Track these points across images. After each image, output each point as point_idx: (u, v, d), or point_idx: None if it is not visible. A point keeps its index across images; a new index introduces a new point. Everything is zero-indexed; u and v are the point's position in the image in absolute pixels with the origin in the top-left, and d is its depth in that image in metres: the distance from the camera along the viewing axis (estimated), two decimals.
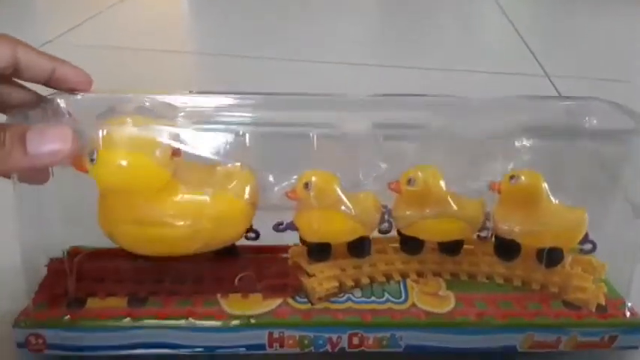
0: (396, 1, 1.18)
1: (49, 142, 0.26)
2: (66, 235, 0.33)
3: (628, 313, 0.32)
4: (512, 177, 0.32)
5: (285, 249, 0.35)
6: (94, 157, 0.28)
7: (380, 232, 0.34)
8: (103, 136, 0.28)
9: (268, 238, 0.34)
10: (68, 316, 0.30)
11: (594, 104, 0.34)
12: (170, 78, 0.76)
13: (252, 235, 0.33)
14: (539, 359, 0.33)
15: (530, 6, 1.25)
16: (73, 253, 0.33)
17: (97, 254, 0.33)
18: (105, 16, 0.96)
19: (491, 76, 0.80)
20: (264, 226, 0.33)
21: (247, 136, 0.28)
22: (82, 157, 0.28)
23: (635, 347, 0.32)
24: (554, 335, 0.32)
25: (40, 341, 0.30)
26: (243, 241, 0.34)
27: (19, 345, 0.30)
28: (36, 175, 0.30)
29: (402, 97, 0.33)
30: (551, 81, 0.78)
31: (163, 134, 0.29)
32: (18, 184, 0.29)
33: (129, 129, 0.28)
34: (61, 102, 0.32)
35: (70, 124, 0.27)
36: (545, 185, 0.32)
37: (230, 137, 0.28)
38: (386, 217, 0.34)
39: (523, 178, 0.32)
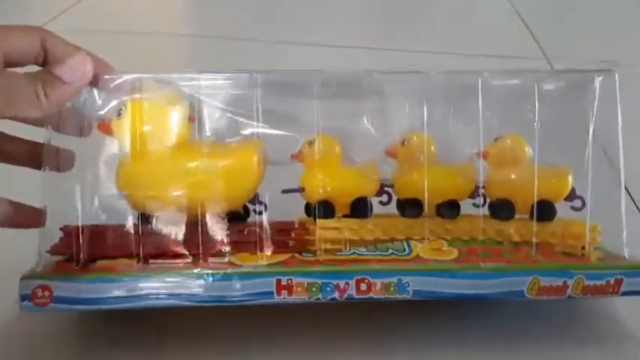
0: None
1: (76, 66, 0.29)
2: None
3: (627, 256, 0.33)
4: (496, 139, 0.36)
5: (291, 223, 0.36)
6: (122, 111, 0.31)
7: (380, 203, 0.36)
8: (131, 91, 0.31)
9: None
10: (78, 267, 0.30)
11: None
12: (164, 61, 0.75)
13: (261, 207, 0.35)
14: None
15: None
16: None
17: (113, 228, 0.34)
18: (90, 2, 0.94)
19: (489, 59, 0.80)
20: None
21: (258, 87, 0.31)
22: (108, 120, 0.32)
23: None
24: (560, 279, 0.32)
25: (47, 293, 0.30)
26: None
27: (23, 298, 0.29)
28: (62, 157, 0.32)
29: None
30: (550, 64, 0.78)
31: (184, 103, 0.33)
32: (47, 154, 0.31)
33: (153, 90, 0.32)
34: None
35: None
36: (527, 147, 0.35)
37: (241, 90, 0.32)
38: (384, 180, 0.36)
39: (508, 140, 0.35)
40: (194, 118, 0.33)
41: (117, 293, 0.30)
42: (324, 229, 0.33)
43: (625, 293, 0.32)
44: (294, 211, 0.36)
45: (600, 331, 0.34)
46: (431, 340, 0.33)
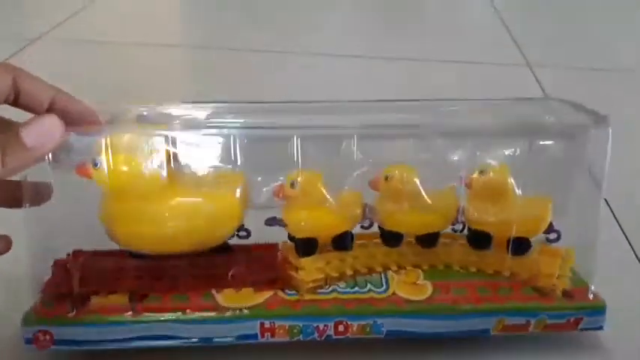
0: None
1: (43, 131, 0.28)
2: (69, 238, 0.36)
3: (591, 296, 0.35)
4: (481, 171, 0.35)
5: (275, 247, 0.37)
6: (98, 163, 0.31)
7: (362, 227, 0.37)
8: (105, 144, 0.30)
9: (259, 235, 0.36)
10: (74, 313, 0.32)
11: (554, 104, 0.38)
12: (159, 72, 0.77)
13: (243, 233, 0.36)
14: (512, 342, 0.36)
15: None
16: (75, 253, 0.36)
17: (99, 255, 0.36)
18: (91, 11, 0.96)
19: (472, 66, 0.83)
20: (256, 222, 0.36)
21: (236, 139, 0.30)
22: (85, 164, 0.31)
23: (599, 328, 0.35)
24: (523, 318, 0.34)
25: (48, 337, 0.32)
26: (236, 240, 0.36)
27: (28, 341, 0.32)
28: (40, 191, 0.32)
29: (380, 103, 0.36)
30: (532, 71, 0.80)
31: (160, 142, 0.32)
32: (26, 191, 0.31)
33: (129, 138, 0.31)
34: None
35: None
36: (511, 179, 0.35)
37: (220, 140, 0.31)
38: (367, 213, 0.36)
39: (491, 172, 0.35)
40: (176, 156, 0.33)
41: (111, 337, 0.32)
42: (307, 272, 0.34)
43: (583, 329, 0.35)
44: (277, 233, 0.37)
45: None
46: None
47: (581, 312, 0.35)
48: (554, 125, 0.34)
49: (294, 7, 1.06)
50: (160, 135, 0.32)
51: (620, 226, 0.49)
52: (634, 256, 0.45)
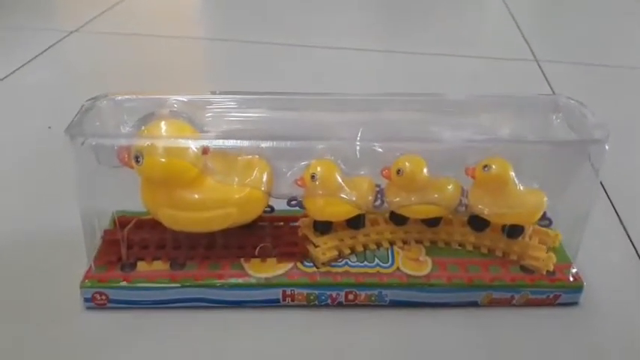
0: None
1: None
2: (114, 201, 0.41)
3: (571, 278, 0.40)
4: (485, 166, 0.38)
5: (295, 218, 0.42)
6: (140, 159, 0.34)
7: (374, 207, 0.41)
8: (147, 145, 0.34)
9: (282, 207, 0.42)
10: (123, 281, 0.38)
11: (562, 101, 0.40)
12: (187, 63, 0.84)
13: (268, 209, 0.41)
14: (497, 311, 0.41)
15: None
16: (121, 220, 0.41)
17: (143, 223, 0.41)
18: (125, 6, 1.03)
19: (481, 61, 0.85)
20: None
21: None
22: (130, 158, 0.35)
23: (575, 303, 0.40)
24: (508, 294, 0.40)
25: (104, 297, 0.38)
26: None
27: (87, 300, 0.38)
28: None
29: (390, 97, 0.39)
30: (539, 65, 0.83)
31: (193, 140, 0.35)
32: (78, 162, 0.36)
33: (165, 136, 0.35)
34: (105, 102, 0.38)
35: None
36: (512, 173, 0.39)
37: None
38: (379, 196, 0.40)
39: (494, 167, 0.38)
40: (208, 150, 0.36)
41: (155, 298, 0.38)
42: (322, 249, 0.39)
43: (559, 305, 0.40)
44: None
45: None
46: None
47: (560, 290, 0.40)
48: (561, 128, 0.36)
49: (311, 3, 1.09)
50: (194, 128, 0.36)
51: (615, 209, 0.52)
52: (625, 233, 0.50)
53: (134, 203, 0.38)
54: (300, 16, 1.04)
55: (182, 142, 0.34)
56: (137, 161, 0.35)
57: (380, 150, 0.37)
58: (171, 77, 0.76)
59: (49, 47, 0.83)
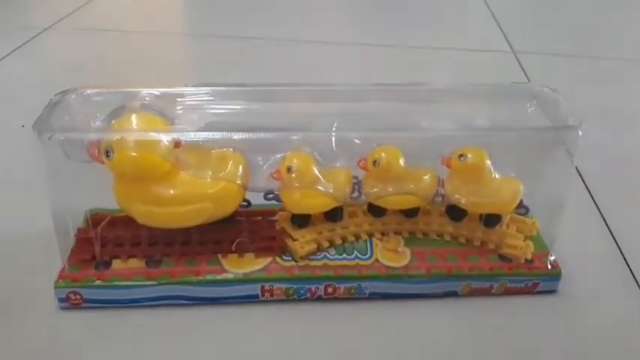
0: None
1: None
2: (87, 199, 0.40)
3: (549, 266, 0.40)
4: (460, 155, 0.38)
5: (273, 212, 0.42)
6: (111, 154, 0.34)
7: (352, 199, 0.41)
8: (117, 139, 0.33)
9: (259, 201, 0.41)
10: (98, 280, 0.37)
11: (536, 89, 0.40)
12: (165, 59, 0.82)
13: (244, 203, 0.40)
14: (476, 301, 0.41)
15: None
16: (94, 218, 0.40)
17: (117, 221, 0.40)
18: (101, 2, 1.02)
19: (458, 53, 0.86)
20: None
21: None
22: (100, 153, 0.34)
23: (553, 291, 0.41)
24: (487, 283, 0.40)
25: (78, 297, 0.37)
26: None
27: (61, 300, 0.38)
28: None
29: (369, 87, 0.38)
30: (516, 57, 0.83)
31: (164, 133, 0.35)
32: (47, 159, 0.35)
33: (136, 129, 0.34)
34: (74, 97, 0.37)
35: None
36: (488, 162, 0.39)
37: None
38: (356, 187, 0.40)
39: (470, 156, 0.38)
40: (179, 143, 0.35)
41: (131, 297, 0.38)
42: (300, 242, 0.39)
43: (538, 292, 0.40)
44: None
45: None
46: None
47: (539, 278, 0.40)
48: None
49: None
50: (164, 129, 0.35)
51: (592, 196, 0.53)
52: (602, 220, 0.50)
53: (109, 200, 0.38)
54: (280, 11, 1.03)
55: (153, 136, 0.34)
56: (107, 156, 0.34)
57: (357, 141, 0.37)
58: (149, 73, 0.75)
59: (23, 44, 0.82)
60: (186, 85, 0.38)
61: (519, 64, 0.82)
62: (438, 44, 0.89)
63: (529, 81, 0.76)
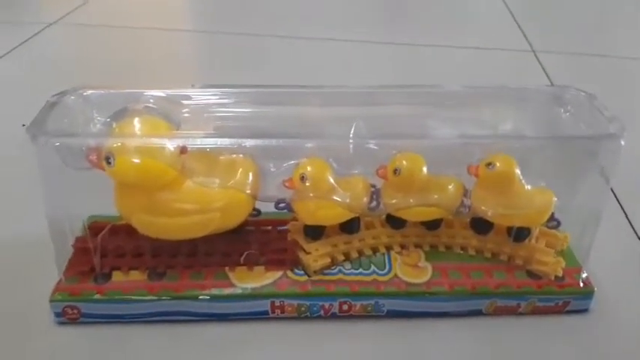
0: None
1: None
2: (85, 205, 0.38)
3: (582, 283, 0.37)
4: (488, 163, 0.36)
5: (284, 222, 0.39)
6: (111, 161, 0.31)
7: (369, 210, 0.38)
8: (118, 145, 0.31)
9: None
10: (97, 293, 0.35)
11: (571, 93, 0.37)
12: (170, 55, 0.80)
13: (254, 212, 0.38)
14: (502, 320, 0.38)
15: None
16: (94, 226, 0.38)
17: (118, 229, 0.37)
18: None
19: (478, 52, 0.83)
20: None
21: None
22: (100, 159, 0.32)
23: (585, 310, 0.38)
24: (514, 301, 0.37)
25: (76, 312, 0.35)
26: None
27: (57, 314, 0.35)
28: None
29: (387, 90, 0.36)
30: (536, 56, 0.80)
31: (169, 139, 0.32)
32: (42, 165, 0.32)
33: (139, 135, 0.32)
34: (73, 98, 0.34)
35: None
36: (517, 171, 0.36)
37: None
38: (374, 197, 0.37)
39: (498, 164, 0.36)
40: (186, 149, 0.33)
41: (133, 312, 0.35)
42: (314, 256, 0.36)
43: (569, 312, 0.38)
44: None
45: None
46: None
47: (570, 297, 0.37)
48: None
49: None
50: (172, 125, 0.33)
51: (622, 209, 0.49)
52: (635, 235, 0.47)
53: (109, 206, 0.35)
54: (289, 7, 1.00)
55: (157, 141, 0.31)
56: (108, 162, 0.31)
57: (375, 147, 0.34)
58: (153, 71, 0.73)
59: (24, 41, 0.79)
60: (192, 86, 0.35)
61: (539, 63, 0.79)
62: (452, 43, 0.85)
63: (550, 81, 0.73)
